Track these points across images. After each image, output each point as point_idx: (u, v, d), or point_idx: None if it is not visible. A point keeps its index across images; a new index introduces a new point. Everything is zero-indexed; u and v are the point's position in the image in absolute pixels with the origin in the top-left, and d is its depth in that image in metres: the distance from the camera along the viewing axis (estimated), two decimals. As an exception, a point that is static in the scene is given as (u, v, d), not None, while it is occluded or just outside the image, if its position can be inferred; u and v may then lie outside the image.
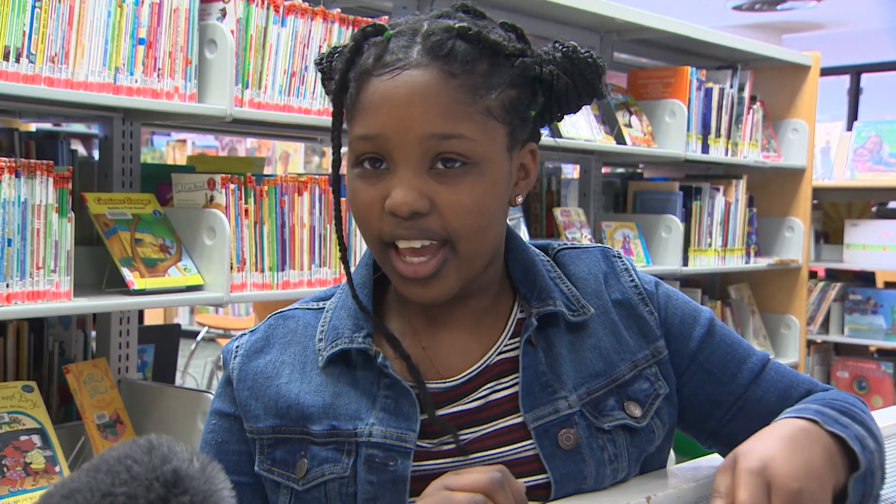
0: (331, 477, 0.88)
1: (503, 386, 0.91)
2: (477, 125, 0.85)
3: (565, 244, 1.01)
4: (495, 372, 0.91)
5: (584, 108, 0.95)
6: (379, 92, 0.85)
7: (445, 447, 0.89)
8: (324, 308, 0.97)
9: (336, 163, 0.89)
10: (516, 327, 0.93)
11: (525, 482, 0.86)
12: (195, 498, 0.58)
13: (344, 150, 0.90)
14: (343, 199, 0.91)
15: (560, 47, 0.91)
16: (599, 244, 1.02)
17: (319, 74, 0.97)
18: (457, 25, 0.86)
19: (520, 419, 0.89)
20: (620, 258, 1.00)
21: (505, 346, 0.92)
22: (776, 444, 0.79)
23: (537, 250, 0.99)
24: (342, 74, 0.87)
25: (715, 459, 1.01)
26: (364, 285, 0.94)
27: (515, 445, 0.89)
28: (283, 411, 0.92)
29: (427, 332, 0.93)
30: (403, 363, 0.91)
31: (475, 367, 0.91)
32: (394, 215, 0.84)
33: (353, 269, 0.96)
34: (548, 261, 0.98)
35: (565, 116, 0.95)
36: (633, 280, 0.98)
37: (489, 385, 0.91)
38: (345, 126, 0.89)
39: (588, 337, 0.93)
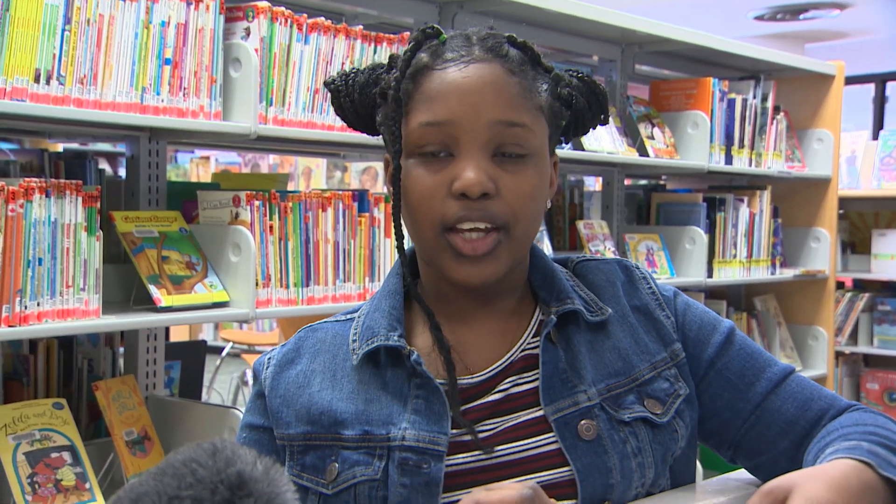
0: (361, 479, 0.90)
1: (524, 381, 0.93)
2: (534, 118, 0.91)
3: (584, 256, 1.04)
4: (517, 367, 0.94)
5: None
6: (447, 81, 0.90)
7: (471, 437, 0.90)
8: (353, 318, 1.00)
9: (397, 153, 0.92)
10: (538, 328, 0.97)
11: (550, 476, 0.89)
12: (259, 500, 0.59)
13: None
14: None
15: (575, 73, 0.99)
16: (617, 258, 1.04)
17: (331, 94, 1.00)
18: (506, 34, 0.94)
19: (540, 412, 0.91)
20: (638, 269, 1.02)
21: (528, 344, 0.96)
22: (833, 494, 0.78)
23: (557, 264, 1.02)
24: (402, 69, 0.92)
25: (742, 473, 1.00)
26: (396, 292, 0.98)
27: (537, 438, 0.90)
28: (316, 418, 0.94)
29: (453, 332, 0.96)
30: (434, 360, 0.93)
31: (500, 362, 0.94)
32: (463, 196, 0.89)
33: (385, 279, 1.00)
34: (567, 272, 1.01)
35: (575, 138, 1.00)
36: (650, 287, 1.01)
37: (511, 379, 0.93)
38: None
39: (607, 338, 0.96)
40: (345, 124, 1.02)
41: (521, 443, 0.90)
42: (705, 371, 0.98)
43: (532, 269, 0.99)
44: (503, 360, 0.94)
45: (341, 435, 0.92)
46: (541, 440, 0.90)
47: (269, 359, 1.00)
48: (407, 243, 0.99)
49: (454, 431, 0.90)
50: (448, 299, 0.96)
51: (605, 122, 1.00)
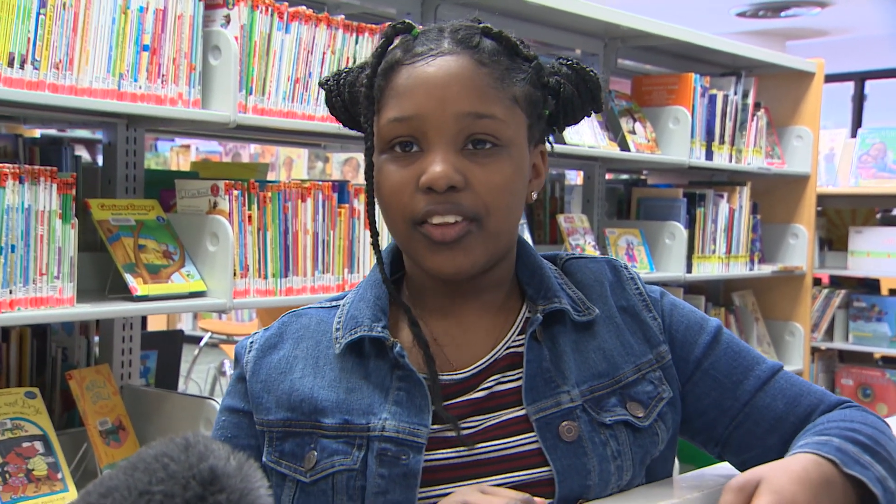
0: (340, 469, 0.90)
1: (508, 379, 0.93)
2: (505, 109, 0.90)
3: (573, 254, 1.03)
4: (502, 365, 0.94)
5: (584, 118, 1.00)
6: (414, 76, 0.89)
7: (452, 433, 0.90)
8: (338, 305, 0.99)
9: (369, 150, 0.93)
10: (524, 325, 0.96)
11: (529, 475, 0.89)
12: (232, 496, 0.58)
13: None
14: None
15: (565, 61, 0.97)
16: (606, 256, 1.04)
17: (323, 93, 1.00)
18: (480, 25, 0.93)
19: (522, 412, 0.91)
20: (627, 269, 1.02)
21: (513, 341, 0.95)
22: (800, 488, 0.79)
23: (546, 260, 1.01)
24: (374, 66, 0.92)
25: (719, 468, 1.01)
26: (382, 282, 0.97)
27: (518, 437, 0.90)
28: (296, 405, 0.93)
29: (438, 326, 0.96)
30: (418, 354, 0.93)
31: (484, 359, 0.94)
32: (430, 190, 0.88)
33: (372, 268, 0.99)
34: (556, 269, 1.01)
35: (567, 127, 0.99)
36: (637, 288, 1.00)
37: (495, 377, 0.93)
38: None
39: (592, 338, 0.95)
40: (325, 115, 1.02)
41: (502, 441, 0.90)
42: (692, 371, 0.98)
43: (520, 264, 0.98)
44: (487, 357, 0.94)
45: (321, 423, 0.92)
46: (522, 439, 0.90)
47: (252, 342, 0.99)
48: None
49: (436, 427, 0.90)
50: (433, 293, 0.96)
51: (598, 110, 0.98)
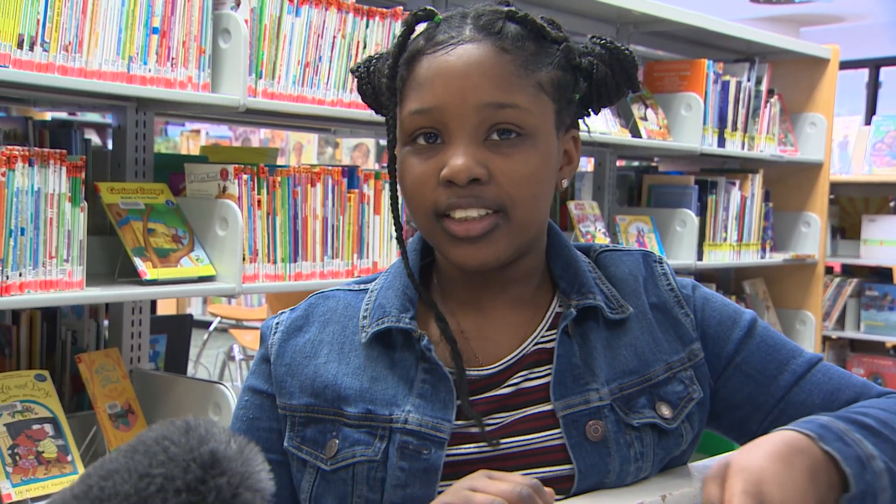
0: (361, 459, 0.89)
1: (536, 375, 0.91)
2: (530, 97, 0.87)
3: (607, 247, 1.01)
4: (529, 361, 0.92)
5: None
6: (434, 66, 0.87)
7: (476, 429, 0.89)
8: (367, 290, 0.98)
9: (391, 143, 0.91)
10: (554, 320, 0.94)
11: (550, 471, 0.88)
12: (232, 479, 0.58)
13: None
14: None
15: (598, 40, 0.94)
16: (641, 249, 1.02)
17: (356, 81, 0.99)
18: (505, 9, 0.90)
19: (549, 407, 0.90)
20: (660, 263, 1.00)
21: (542, 337, 0.93)
22: (768, 463, 0.77)
23: (579, 252, 0.99)
24: (395, 56, 0.90)
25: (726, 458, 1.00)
26: (412, 269, 0.95)
27: (543, 433, 0.89)
28: (319, 391, 0.92)
29: (467, 319, 0.94)
30: (445, 348, 0.91)
31: (512, 355, 0.93)
32: (451, 183, 0.86)
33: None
34: (589, 262, 0.98)
35: (603, 109, 0.97)
36: (669, 284, 0.98)
37: (522, 373, 0.92)
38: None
39: (624, 335, 0.94)
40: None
41: (527, 437, 0.89)
42: (724, 367, 0.96)
43: (553, 256, 0.96)
44: (515, 353, 0.92)
45: (344, 411, 0.91)
46: (545, 436, 0.89)
47: (278, 323, 0.98)
48: None
49: (459, 422, 0.89)
50: (460, 284, 0.95)
51: (635, 89, 0.95)
